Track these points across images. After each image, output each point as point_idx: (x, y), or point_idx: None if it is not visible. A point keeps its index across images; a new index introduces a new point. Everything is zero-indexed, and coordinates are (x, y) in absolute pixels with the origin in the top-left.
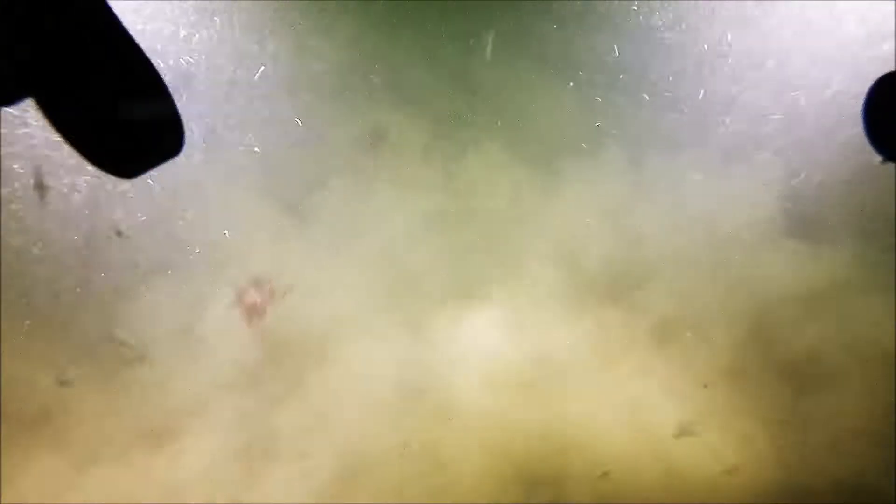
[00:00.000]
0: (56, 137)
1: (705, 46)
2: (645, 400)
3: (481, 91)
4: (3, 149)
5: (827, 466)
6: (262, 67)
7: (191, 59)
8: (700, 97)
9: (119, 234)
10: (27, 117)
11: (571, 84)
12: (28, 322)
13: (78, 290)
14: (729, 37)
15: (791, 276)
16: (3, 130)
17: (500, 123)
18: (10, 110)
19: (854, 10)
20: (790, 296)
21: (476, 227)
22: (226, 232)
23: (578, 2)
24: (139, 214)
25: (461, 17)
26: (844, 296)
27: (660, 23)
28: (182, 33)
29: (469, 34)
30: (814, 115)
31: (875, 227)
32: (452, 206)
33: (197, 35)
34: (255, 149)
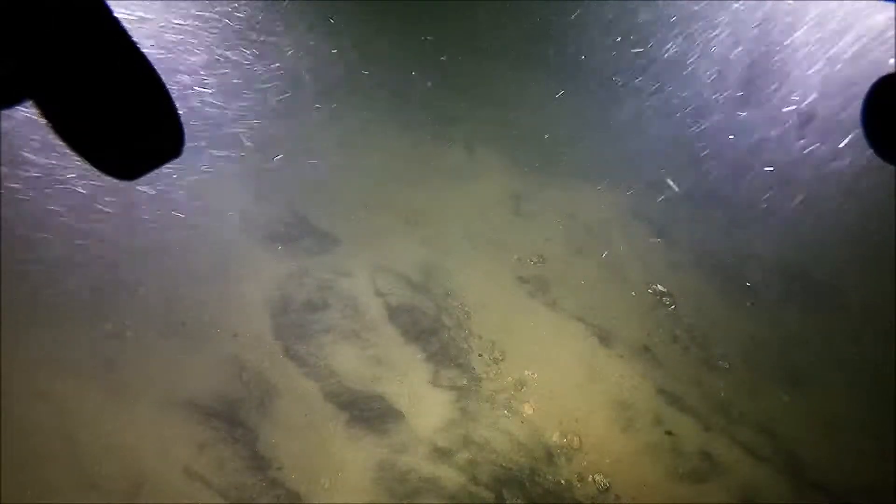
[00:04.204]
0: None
1: (706, 56)
2: None
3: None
4: None
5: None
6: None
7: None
8: (700, 103)
9: None
10: None
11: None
12: None
13: None
14: (727, 41)
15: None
16: None
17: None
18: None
19: (852, 11)
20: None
21: None
22: (231, 213)
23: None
24: None
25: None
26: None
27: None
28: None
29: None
30: (812, 116)
31: (875, 227)
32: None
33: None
34: (248, 143)
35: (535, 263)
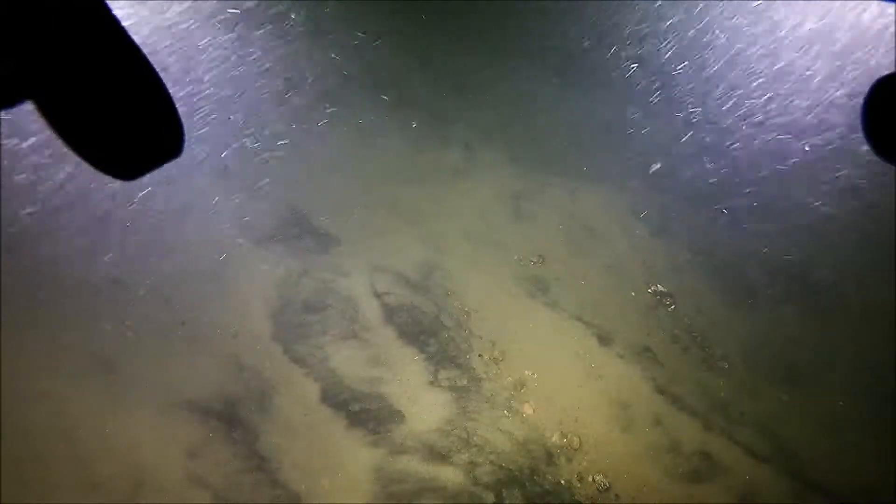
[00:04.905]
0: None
1: (704, 54)
2: None
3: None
4: None
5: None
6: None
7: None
8: (699, 103)
9: None
10: None
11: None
12: None
13: None
14: (726, 41)
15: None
16: None
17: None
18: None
19: (853, 12)
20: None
21: None
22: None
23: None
24: None
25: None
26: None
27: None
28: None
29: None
30: (813, 116)
31: (875, 228)
32: None
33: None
34: (248, 143)
35: (535, 263)
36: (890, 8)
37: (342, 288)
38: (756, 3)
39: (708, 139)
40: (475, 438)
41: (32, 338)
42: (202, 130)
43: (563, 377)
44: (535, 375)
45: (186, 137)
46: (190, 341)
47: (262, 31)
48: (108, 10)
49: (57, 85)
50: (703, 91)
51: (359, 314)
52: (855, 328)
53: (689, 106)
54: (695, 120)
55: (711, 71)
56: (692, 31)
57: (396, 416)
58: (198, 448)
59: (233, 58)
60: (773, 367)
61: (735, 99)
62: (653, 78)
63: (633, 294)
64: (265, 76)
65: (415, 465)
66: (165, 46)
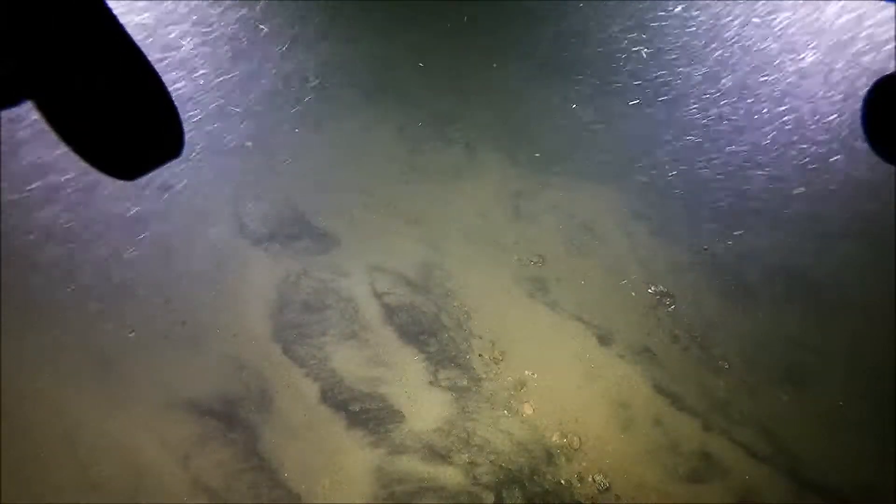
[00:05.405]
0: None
1: (707, 51)
2: None
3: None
4: None
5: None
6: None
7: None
8: (701, 104)
9: None
10: None
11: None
12: None
13: None
14: (726, 41)
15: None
16: None
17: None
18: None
19: (853, 12)
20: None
21: None
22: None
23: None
24: None
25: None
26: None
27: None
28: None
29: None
30: (813, 116)
31: (875, 228)
32: None
33: (191, 40)
34: (248, 143)
35: (534, 263)
36: (890, 8)
37: (342, 288)
38: (759, 4)
39: (708, 140)
40: (475, 438)
41: (32, 338)
42: (202, 131)
43: (563, 377)
44: (535, 375)
45: (186, 137)
46: (190, 341)
47: (261, 32)
48: (108, 10)
49: (57, 85)
50: (704, 91)
51: (359, 314)
52: (855, 328)
53: (690, 106)
54: (695, 120)
55: (712, 73)
56: (694, 32)
57: (396, 416)
58: (197, 448)
59: (232, 58)
60: (773, 367)
61: (736, 99)
62: (655, 80)
63: (633, 294)
64: (265, 76)
65: (415, 465)
66: (166, 46)
